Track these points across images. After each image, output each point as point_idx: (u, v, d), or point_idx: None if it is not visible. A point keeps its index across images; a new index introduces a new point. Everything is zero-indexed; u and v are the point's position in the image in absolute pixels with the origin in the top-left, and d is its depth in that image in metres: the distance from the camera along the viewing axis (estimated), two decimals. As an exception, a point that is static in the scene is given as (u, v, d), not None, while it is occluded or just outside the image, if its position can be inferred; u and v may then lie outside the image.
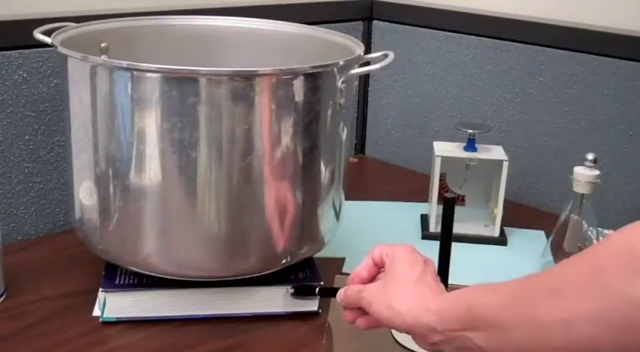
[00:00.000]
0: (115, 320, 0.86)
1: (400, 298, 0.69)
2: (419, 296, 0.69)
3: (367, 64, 0.90)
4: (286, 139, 0.81)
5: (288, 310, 0.89)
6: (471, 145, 1.11)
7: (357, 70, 0.87)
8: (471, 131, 1.11)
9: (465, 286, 0.96)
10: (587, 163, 0.98)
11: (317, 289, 0.85)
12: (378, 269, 0.77)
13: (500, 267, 1.05)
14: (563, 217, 1.00)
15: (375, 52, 1.02)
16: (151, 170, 0.80)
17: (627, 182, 1.18)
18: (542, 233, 1.15)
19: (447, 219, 0.81)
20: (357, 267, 0.77)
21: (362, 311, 0.74)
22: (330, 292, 0.81)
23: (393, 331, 0.85)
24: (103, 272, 0.89)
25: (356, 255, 1.04)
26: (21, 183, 1.06)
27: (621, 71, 1.15)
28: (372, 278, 0.77)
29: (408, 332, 0.70)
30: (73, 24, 0.93)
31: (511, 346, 0.63)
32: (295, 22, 1.02)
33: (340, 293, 0.76)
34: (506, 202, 1.10)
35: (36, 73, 1.04)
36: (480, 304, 0.65)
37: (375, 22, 1.45)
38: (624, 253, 0.57)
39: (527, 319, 0.61)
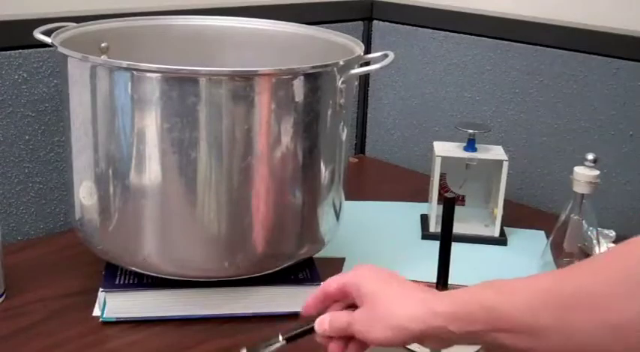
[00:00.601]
0: (115, 320, 0.86)
1: (398, 313, 0.67)
2: (417, 301, 0.68)
3: (367, 64, 0.90)
4: (286, 139, 0.81)
5: (288, 310, 0.89)
6: (470, 145, 1.11)
7: (357, 70, 0.87)
8: (471, 131, 1.11)
9: (464, 286, 0.97)
10: (587, 163, 0.97)
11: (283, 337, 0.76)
12: (330, 302, 0.73)
13: (501, 267, 1.05)
14: (563, 217, 1.00)
15: (375, 52, 1.02)
16: (151, 170, 0.80)
17: (627, 182, 1.18)
18: (542, 233, 1.15)
19: (447, 219, 0.81)
20: (308, 300, 0.74)
21: (347, 338, 0.71)
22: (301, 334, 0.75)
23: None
24: (103, 272, 0.89)
25: (356, 255, 1.04)
26: (21, 183, 1.06)
27: (621, 71, 1.15)
28: (319, 312, 0.73)
29: (420, 341, 0.68)
30: (73, 24, 0.93)
31: (545, 349, 0.62)
32: (295, 22, 1.02)
33: (324, 323, 0.71)
34: (506, 202, 1.10)
35: (36, 73, 1.04)
36: (500, 307, 0.64)
37: (375, 22, 1.45)
38: None
39: (564, 326, 0.61)
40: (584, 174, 0.97)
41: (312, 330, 0.72)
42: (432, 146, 1.13)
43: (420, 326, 0.66)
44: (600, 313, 0.59)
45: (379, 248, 1.08)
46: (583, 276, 0.63)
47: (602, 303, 0.59)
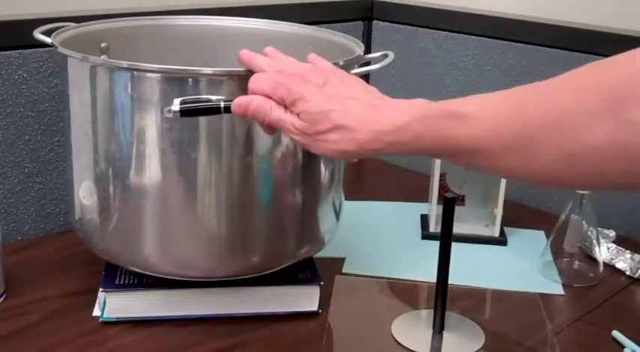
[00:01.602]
0: (115, 320, 0.86)
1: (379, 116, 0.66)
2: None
3: (367, 64, 0.90)
4: (286, 139, 0.81)
5: (288, 310, 0.89)
6: (471, 145, 1.11)
7: (357, 70, 0.87)
8: (471, 131, 1.11)
9: (465, 286, 0.97)
10: (587, 163, 0.97)
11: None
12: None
13: (501, 267, 1.05)
14: (563, 217, 1.00)
15: (375, 52, 1.02)
16: (151, 170, 0.80)
17: (627, 182, 1.18)
18: (542, 233, 1.15)
19: (447, 219, 0.81)
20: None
21: None
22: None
23: (394, 331, 0.85)
24: (103, 273, 0.89)
25: (356, 255, 1.04)
26: (21, 183, 1.06)
27: (621, 71, 1.15)
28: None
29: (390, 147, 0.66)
30: (73, 24, 0.93)
31: (502, 171, 0.62)
32: (295, 22, 1.02)
33: (246, 108, 0.71)
34: (506, 202, 1.10)
35: (36, 73, 1.04)
36: (457, 136, 0.63)
37: (375, 22, 1.45)
38: None
39: (520, 152, 0.60)
40: (584, 174, 0.97)
41: (215, 110, 0.73)
42: (432, 146, 1.13)
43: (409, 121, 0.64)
44: (562, 138, 0.57)
45: (379, 248, 1.08)
46: (553, 93, 0.60)
47: (567, 123, 0.57)
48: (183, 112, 0.72)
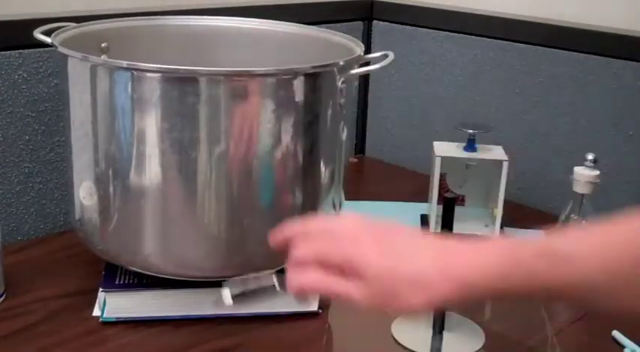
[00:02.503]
0: (115, 320, 0.86)
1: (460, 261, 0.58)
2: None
3: (367, 64, 0.90)
4: (286, 139, 0.81)
5: (288, 310, 0.89)
6: (470, 145, 1.11)
7: (357, 70, 0.87)
8: (471, 131, 1.11)
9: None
10: (587, 163, 0.98)
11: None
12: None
13: (500, 267, 1.04)
14: (563, 217, 1.00)
15: (375, 52, 1.02)
16: (151, 170, 0.80)
17: (627, 182, 1.18)
18: (542, 233, 1.15)
19: (447, 219, 0.81)
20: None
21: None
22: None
23: (394, 331, 0.85)
24: (103, 273, 0.89)
25: (356, 255, 1.04)
26: (21, 183, 1.06)
27: (621, 71, 1.15)
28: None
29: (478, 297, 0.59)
30: (73, 24, 0.93)
31: (611, 309, 0.57)
32: (295, 22, 1.02)
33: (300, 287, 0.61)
34: (506, 202, 1.10)
35: (36, 73, 1.04)
36: (564, 279, 0.56)
37: (374, 22, 1.45)
38: None
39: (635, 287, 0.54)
40: (584, 174, 0.97)
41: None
42: (432, 146, 1.13)
43: (499, 274, 0.56)
44: None
45: (379, 248, 1.08)
46: None
47: None
48: (237, 297, 0.71)
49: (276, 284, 0.68)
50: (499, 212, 1.10)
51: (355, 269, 0.60)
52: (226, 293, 0.68)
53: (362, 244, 0.61)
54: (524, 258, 0.57)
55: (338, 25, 1.37)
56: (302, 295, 0.64)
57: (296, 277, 0.62)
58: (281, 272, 0.66)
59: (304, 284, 0.62)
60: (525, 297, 0.59)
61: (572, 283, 0.56)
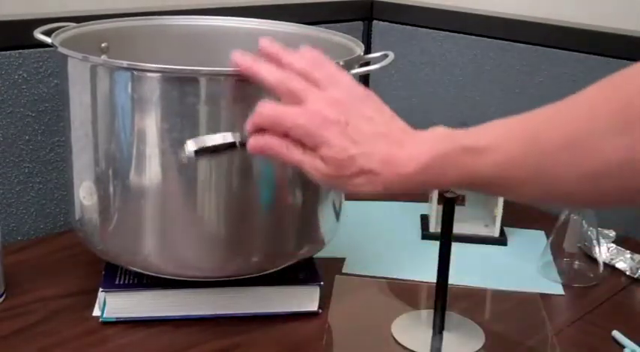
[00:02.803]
0: (115, 320, 0.86)
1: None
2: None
3: (367, 64, 0.90)
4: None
5: (288, 310, 0.89)
6: (471, 145, 1.11)
7: (357, 70, 0.87)
8: (471, 131, 1.10)
9: (465, 286, 0.97)
10: (587, 163, 0.97)
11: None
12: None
13: (501, 267, 1.05)
14: (563, 217, 1.00)
15: (375, 52, 1.02)
16: (151, 170, 0.80)
17: (627, 182, 1.18)
18: (542, 233, 1.15)
19: (447, 219, 0.81)
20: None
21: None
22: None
23: (394, 331, 0.86)
24: (103, 273, 0.89)
25: (356, 255, 1.04)
26: (21, 183, 1.06)
27: (621, 71, 1.15)
28: None
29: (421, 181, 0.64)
30: (73, 24, 0.93)
31: (523, 198, 0.61)
32: (295, 22, 1.02)
33: (262, 148, 0.67)
34: (506, 202, 1.10)
35: (36, 73, 1.04)
36: (478, 170, 0.62)
37: (374, 22, 1.45)
38: None
39: (541, 178, 0.59)
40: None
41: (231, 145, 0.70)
42: (432, 146, 1.13)
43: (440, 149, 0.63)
44: (581, 159, 0.56)
45: (379, 248, 1.08)
46: (567, 111, 0.60)
47: (584, 144, 0.56)
48: (198, 152, 0.70)
49: (237, 142, 0.69)
50: (499, 212, 1.10)
51: (319, 149, 0.65)
52: (189, 145, 0.70)
53: (330, 126, 0.65)
54: (450, 151, 0.63)
55: (338, 25, 1.37)
56: (257, 152, 0.69)
57: (258, 138, 0.68)
58: (243, 146, 0.70)
59: (264, 146, 0.68)
60: (453, 186, 0.65)
61: (487, 174, 0.61)
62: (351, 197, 0.73)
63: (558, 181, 0.58)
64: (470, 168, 0.62)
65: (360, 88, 0.70)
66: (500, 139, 0.62)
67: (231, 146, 0.71)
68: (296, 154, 0.67)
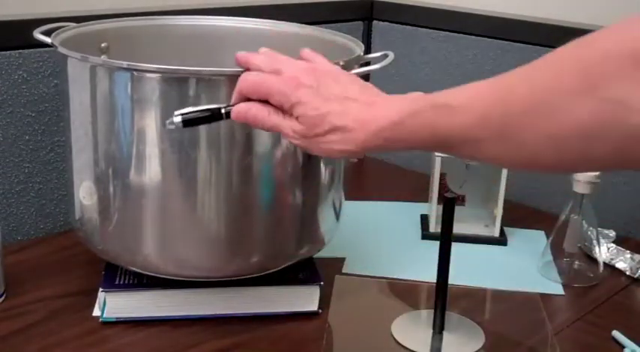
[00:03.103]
0: (115, 320, 0.86)
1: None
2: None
3: (367, 64, 0.90)
4: (286, 140, 0.81)
5: (288, 310, 0.89)
6: (471, 145, 1.11)
7: (357, 70, 0.87)
8: (471, 131, 1.11)
9: (464, 286, 0.97)
10: (587, 163, 0.97)
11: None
12: None
13: (501, 267, 1.05)
14: (563, 217, 1.00)
15: (375, 52, 1.02)
16: (151, 170, 0.80)
17: (627, 182, 1.18)
18: (542, 233, 1.15)
19: (447, 219, 0.81)
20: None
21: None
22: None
23: (394, 331, 0.85)
24: (103, 273, 0.89)
25: (356, 255, 1.04)
26: (21, 183, 1.06)
27: (621, 71, 1.15)
28: None
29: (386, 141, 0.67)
30: (73, 24, 0.93)
31: (488, 159, 0.62)
32: (295, 22, 1.02)
33: (245, 116, 0.71)
34: (506, 202, 1.10)
35: (36, 73, 1.04)
36: (447, 128, 0.63)
37: (374, 22, 1.45)
38: (627, 58, 0.51)
39: (506, 139, 0.59)
40: (584, 174, 0.97)
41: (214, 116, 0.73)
42: (432, 146, 1.13)
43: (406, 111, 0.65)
44: (545, 121, 0.55)
45: (379, 248, 1.08)
46: (531, 73, 0.60)
47: (549, 105, 0.55)
48: (186, 123, 0.72)
49: (223, 110, 0.72)
50: (499, 212, 1.10)
51: (294, 109, 0.69)
52: (176, 114, 0.72)
53: (303, 87, 0.69)
54: (421, 108, 0.65)
55: (338, 25, 1.37)
56: (241, 119, 0.72)
57: (242, 105, 0.72)
58: (228, 115, 0.74)
59: (248, 111, 0.71)
60: (423, 146, 0.66)
61: (455, 133, 0.62)
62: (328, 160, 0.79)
63: (522, 143, 0.58)
64: (439, 126, 0.63)
65: (336, 67, 0.74)
66: (471, 100, 0.63)
67: (216, 114, 0.73)
68: (275, 118, 0.71)
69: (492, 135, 0.60)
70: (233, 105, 0.73)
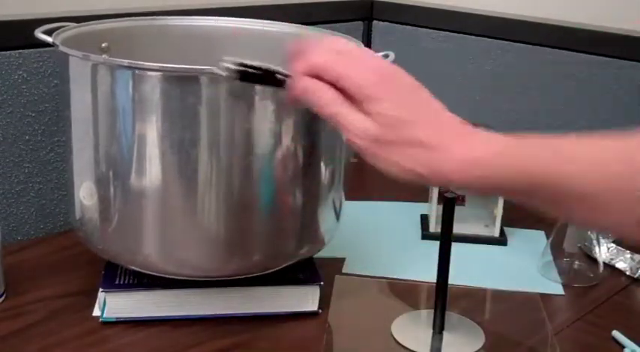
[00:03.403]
0: (115, 320, 0.86)
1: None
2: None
3: (367, 64, 0.90)
4: (286, 139, 0.81)
5: (288, 310, 0.89)
6: (471, 145, 1.11)
7: (358, 70, 0.87)
8: (471, 131, 1.11)
9: (464, 286, 0.97)
10: (587, 163, 0.97)
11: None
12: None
13: (501, 267, 1.05)
14: (563, 217, 1.00)
15: (375, 52, 1.02)
16: (151, 170, 0.80)
17: (627, 182, 1.18)
18: (542, 233, 1.15)
19: (447, 219, 0.81)
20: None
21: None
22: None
23: (394, 331, 0.85)
24: (103, 272, 0.89)
25: (356, 255, 1.04)
26: (21, 183, 1.06)
27: (621, 71, 1.15)
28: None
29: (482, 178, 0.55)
30: (74, 24, 0.93)
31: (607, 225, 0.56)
32: (295, 22, 1.02)
33: (304, 91, 0.57)
34: (506, 202, 1.10)
35: (36, 73, 1.04)
36: (565, 175, 0.54)
37: (374, 22, 1.45)
38: None
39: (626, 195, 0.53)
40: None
41: (275, 80, 0.60)
42: (432, 146, 1.13)
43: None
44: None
45: (379, 248, 1.08)
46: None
47: None
48: (243, 76, 0.61)
49: (282, 73, 0.60)
50: (499, 212, 1.10)
51: (372, 103, 0.56)
52: (230, 60, 0.60)
53: (388, 81, 0.57)
54: (537, 153, 0.55)
55: (338, 25, 1.37)
56: (298, 100, 0.59)
57: (306, 79, 0.58)
58: (284, 83, 0.61)
59: (310, 87, 0.58)
60: (511, 190, 0.56)
61: (569, 181, 0.54)
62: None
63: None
64: (556, 170, 0.55)
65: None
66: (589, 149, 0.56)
67: (269, 77, 0.62)
68: (341, 107, 0.57)
69: (610, 197, 0.55)
70: (295, 75, 0.61)
